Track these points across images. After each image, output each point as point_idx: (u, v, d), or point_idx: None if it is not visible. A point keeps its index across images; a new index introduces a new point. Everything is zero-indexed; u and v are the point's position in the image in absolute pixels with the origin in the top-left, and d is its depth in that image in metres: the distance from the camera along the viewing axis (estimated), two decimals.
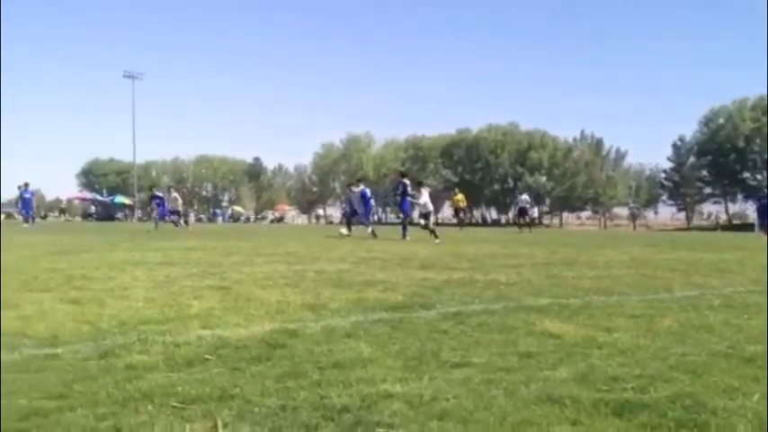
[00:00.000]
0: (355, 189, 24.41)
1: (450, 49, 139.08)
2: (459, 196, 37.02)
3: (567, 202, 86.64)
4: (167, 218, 30.72)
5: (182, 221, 32.17)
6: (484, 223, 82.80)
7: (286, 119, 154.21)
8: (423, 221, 21.02)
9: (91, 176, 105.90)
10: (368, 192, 24.39)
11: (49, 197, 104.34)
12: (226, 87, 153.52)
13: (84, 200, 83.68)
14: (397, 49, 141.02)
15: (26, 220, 31.57)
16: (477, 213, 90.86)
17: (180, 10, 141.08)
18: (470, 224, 70.71)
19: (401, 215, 22.10)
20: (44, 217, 69.93)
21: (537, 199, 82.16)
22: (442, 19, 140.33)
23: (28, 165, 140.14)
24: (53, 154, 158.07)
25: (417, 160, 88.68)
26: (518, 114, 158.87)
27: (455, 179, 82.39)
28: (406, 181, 21.70)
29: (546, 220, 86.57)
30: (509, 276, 8.35)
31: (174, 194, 32.58)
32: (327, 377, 3.38)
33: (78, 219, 72.00)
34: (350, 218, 24.24)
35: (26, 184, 32.47)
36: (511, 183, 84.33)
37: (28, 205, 32.20)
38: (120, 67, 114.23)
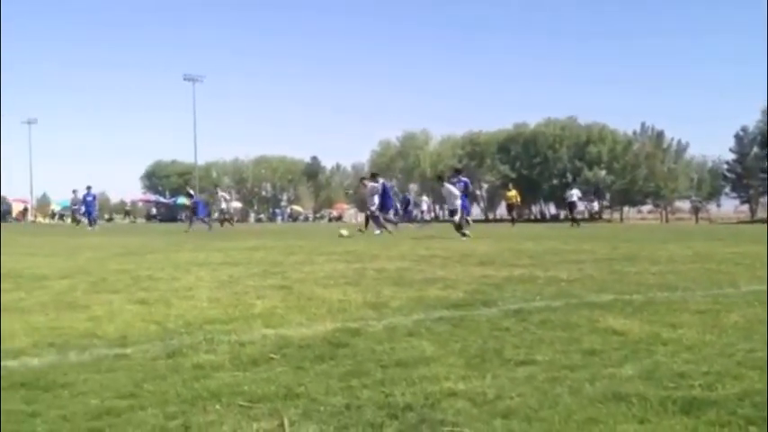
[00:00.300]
0: (369, 183, 23.28)
1: (506, 44, 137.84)
2: (512, 192, 36.86)
3: (628, 196, 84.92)
4: (200, 218, 31.20)
5: (219, 221, 32.59)
6: (542, 219, 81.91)
7: (343, 118, 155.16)
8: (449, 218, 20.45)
9: (154, 178, 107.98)
10: (387, 185, 23.35)
11: (114, 199, 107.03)
12: (283, 88, 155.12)
13: (147, 201, 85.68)
14: (451, 46, 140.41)
15: (90, 223, 32.57)
16: (535, 209, 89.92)
17: (238, 12, 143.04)
18: (529, 220, 70.04)
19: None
20: (110, 219, 71.75)
21: (597, 193, 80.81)
22: (498, 15, 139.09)
23: (94, 167, 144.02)
24: (118, 157, 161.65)
25: (474, 156, 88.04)
26: (576, 108, 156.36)
27: (513, 175, 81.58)
28: (462, 177, 21.66)
29: (606, 215, 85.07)
30: (570, 273, 8.26)
31: (222, 194, 33.15)
32: (391, 376, 3.39)
33: (142, 220, 73.67)
34: (376, 215, 22.70)
35: (88, 188, 33.46)
36: (570, 177, 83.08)
37: (90, 208, 33.27)
38: (180, 70, 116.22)
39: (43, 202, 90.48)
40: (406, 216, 42.74)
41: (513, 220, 36.05)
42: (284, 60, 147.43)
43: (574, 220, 33.55)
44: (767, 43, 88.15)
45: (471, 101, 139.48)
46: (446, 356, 3.81)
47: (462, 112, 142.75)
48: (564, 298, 6.08)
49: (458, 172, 23.09)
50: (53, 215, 74.69)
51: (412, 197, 47.93)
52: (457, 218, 19.80)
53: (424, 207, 45.44)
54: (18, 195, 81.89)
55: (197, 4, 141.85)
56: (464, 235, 19.42)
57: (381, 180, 23.41)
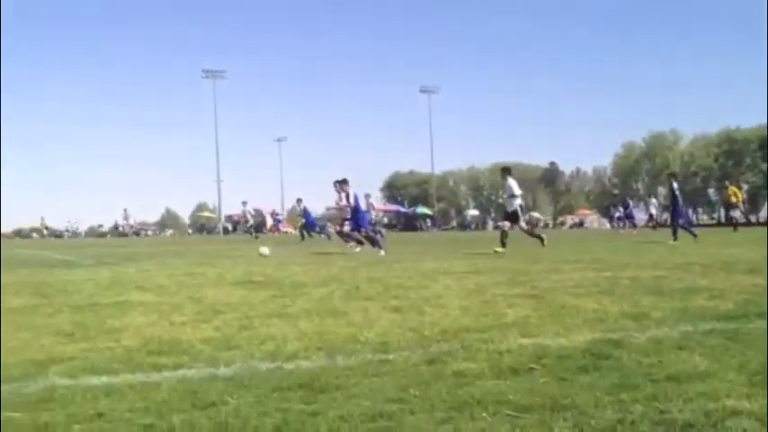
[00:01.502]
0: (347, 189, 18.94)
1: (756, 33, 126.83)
2: (731, 190, 33.24)
3: None
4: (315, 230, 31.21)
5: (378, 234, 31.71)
6: None
7: (582, 120, 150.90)
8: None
9: (393, 189, 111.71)
10: (357, 195, 19.19)
11: None
12: (518, 92, 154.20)
13: (387, 212, 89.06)
14: (700, 39, 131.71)
15: (306, 235, 33.20)
16: None
17: (470, 22, 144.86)
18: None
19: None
20: None
21: None
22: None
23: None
24: (359, 169, 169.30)
25: (732, 155, 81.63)
26: None
27: None
28: (675, 183, 20.71)
29: None
30: None
31: (371, 201, 32.94)
32: (663, 390, 3.18)
33: (383, 230, 76.67)
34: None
35: (299, 200, 34.18)
36: None
37: (308, 218, 34.02)
38: (416, 82, 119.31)
39: (293, 215, 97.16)
40: (630, 221, 40.61)
41: (734, 224, 32.22)
42: (518, 64, 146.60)
43: None
44: (767, 49, 74.18)
45: (726, 96, 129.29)
46: (723, 372, 3.51)
47: (716, 108, 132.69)
48: None
49: (672, 177, 22.19)
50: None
51: (650, 201, 45.65)
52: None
53: (653, 210, 42.63)
54: (271, 209, 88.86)
55: (431, 23, 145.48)
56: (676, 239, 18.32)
57: (351, 190, 18.94)
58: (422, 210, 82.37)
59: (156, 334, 5.13)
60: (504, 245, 15.70)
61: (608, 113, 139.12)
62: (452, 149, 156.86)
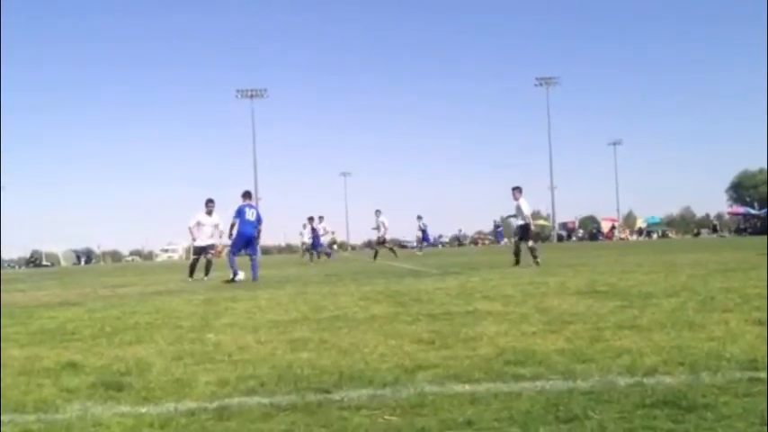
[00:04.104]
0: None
1: None
2: None
3: None
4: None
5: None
6: None
7: None
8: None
9: (741, 189, 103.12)
10: (246, 212, 16.17)
11: (699, 214, 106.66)
12: None
13: (736, 214, 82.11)
14: None
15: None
16: None
17: None
18: None
19: None
20: (696, 234, 71.27)
21: None
22: None
23: (679, 183, 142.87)
24: (704, 170, 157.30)
25: None
26: None
27: None
28: None
29: None
30: None
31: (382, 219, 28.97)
32: None
33: (729, 235, 70.70)
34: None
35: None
36: None
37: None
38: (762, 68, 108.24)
39: (630, 219, 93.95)
40: None
41: None
42: None
43: None
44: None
45: None
46: None
47: None
48: None
49: None
50: (640, 232, 77.22)
51: None
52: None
53: None
54: (607, 215, 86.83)
55: None
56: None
57: (248, 203, 16.60)
58: None
59: (510, 344, 5.29)
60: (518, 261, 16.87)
61: None
62: None
